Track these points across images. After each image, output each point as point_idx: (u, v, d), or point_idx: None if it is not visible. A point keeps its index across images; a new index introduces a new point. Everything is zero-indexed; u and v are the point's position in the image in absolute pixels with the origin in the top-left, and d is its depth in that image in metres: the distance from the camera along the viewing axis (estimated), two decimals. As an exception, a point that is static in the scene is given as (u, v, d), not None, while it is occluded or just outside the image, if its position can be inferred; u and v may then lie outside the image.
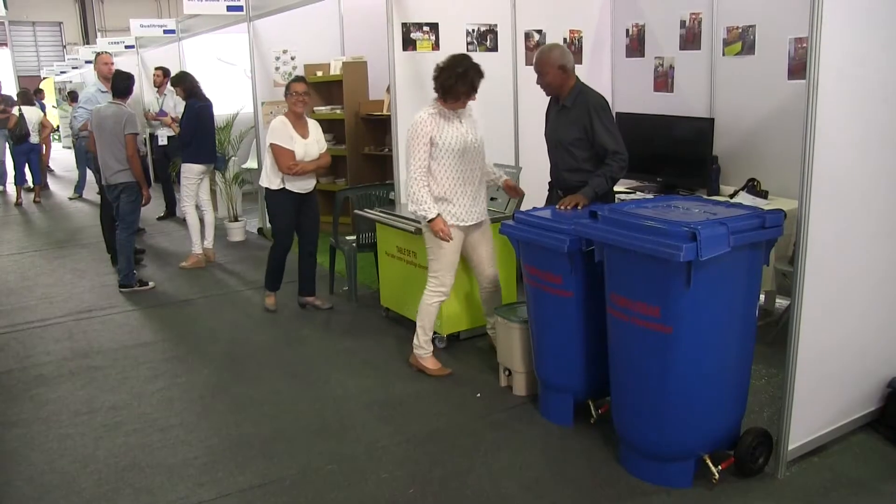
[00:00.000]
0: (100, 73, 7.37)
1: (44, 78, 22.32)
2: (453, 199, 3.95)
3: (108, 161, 5.80)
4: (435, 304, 4.10)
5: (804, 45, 4.40)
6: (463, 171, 3.93)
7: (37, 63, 25.51)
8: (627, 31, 5.80)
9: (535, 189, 4.46)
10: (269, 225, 7.91)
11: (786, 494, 2.91)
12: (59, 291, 6.17)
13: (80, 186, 11.23)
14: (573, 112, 3.84)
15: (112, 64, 7.39)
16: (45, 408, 3.98)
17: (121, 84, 5.87)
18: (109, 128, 5.75)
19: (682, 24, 5.32)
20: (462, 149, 3.90)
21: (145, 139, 8.88)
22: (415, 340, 4.17)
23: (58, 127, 20.58)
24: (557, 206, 3.61)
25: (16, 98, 11.72)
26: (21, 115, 10.71)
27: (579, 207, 3.55)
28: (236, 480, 3.17)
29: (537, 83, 3.91)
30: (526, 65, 5.29)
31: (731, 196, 4.55)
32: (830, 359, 3.05)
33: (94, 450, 3.49)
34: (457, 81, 3.80)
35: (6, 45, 24.33)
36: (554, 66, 3.84)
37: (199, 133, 6.52)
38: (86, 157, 8.39)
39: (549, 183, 4.16)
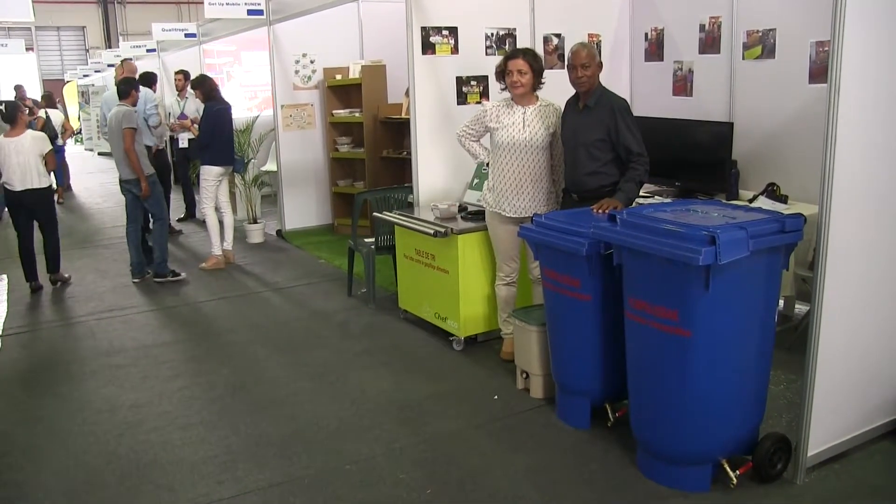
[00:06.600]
0: None
1: (67, 81, 22.66)
2: (494, 187, 4.14)
3: (120, 158, 6.20)
4: (498, 287, 4.34)
5: (825, 48, 4.37)
6: (503, 162, 4.08)
7: (60, 67, 25.92)
8: (646, 34, 5.79)
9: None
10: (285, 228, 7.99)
11: (805, 501, 2.90)
12: (80, 291, 6.26)
13: None
14: (596, 113, 3.83)
15: (135, 71, 7.73)
16: (68, 405, 4.04)
17: (122, 87, 6.34)
18: (115, 128, 6.15)
19: (702, 27, 5.30)
20: (506, 143, 4.04)
21: (166, 141, 9.00)
22: None
23: (79, 130, 20.88)
24: (593, 210, 3.57)
25: (40, 101, 11.94)
26: (48, 117, 10.89)
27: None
28: (255, 479, 3.20)
29: (577, 76, 3.82)
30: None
31: (751, 200, 4.52)
32: (850, 365, 3.03)
33: (117, 446, 3.54)
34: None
35: (32, 49, 24.72)
36: (597, 60, 3.87)
37: (217, 135, 6.62)
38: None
39: (564, 189, 4.16)
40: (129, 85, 6.36)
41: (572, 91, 3.98)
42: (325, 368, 4.42)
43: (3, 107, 6.08)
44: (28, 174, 5.94)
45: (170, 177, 8.44)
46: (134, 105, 6.31)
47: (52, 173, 6.31)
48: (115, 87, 7.88)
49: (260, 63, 9.63)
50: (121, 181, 6.32)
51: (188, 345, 4.94)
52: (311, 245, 7.55)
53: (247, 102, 10.96)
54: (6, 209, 6.38)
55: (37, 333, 5.29)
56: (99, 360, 4.68)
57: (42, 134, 6.42)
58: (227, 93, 7.82)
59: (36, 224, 6.20)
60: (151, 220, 6.52)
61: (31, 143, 6.00)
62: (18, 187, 5.94)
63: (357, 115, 7.58)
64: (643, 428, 3.10)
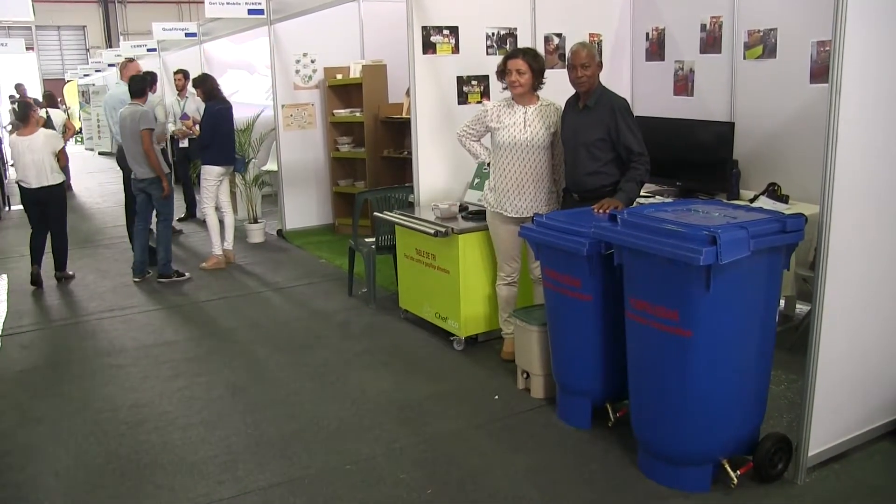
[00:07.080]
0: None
1: (67, 81, 22.67)
2: (495, 187, 4.14)
3: (134, 157, 6.21)
4: (499, 287, 4.35)
5: (827, 48, 4.36)
6: (504, 162, 4.07)
7: (61, 66, 25.93)
8: (647, 34, 5.78)
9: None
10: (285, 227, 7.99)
11: (805, 501, 2.89)
12: (81, 290, 6.27)
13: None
14: (596, 113, 3.83)
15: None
16: (69, 405, 4.04)
17: (135, 86, 6.30)
18: (129, 127, 6.14)
19: (703, 27, 5.30)
20: (507, 143, 4.03)
21: (166, 141, 8.99)
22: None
23: (80, 129, 20.89)
24: (594, 209, 3.56)
25: (41, 100, 11.95)
26: (48, 117, 10.88)
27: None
28: (256, 479, 3.20)
29: (577, 76, 3.81)
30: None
31: (752, 200, 4.52)
32: (851, 365, 3.02)
33: (118, 447, 3.54)
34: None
35: (33, 49, 24.73)
36: (597, 60, 3.87)
37: (218, 135, 6.61)
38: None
39: (565, 189, 4.16)
40: (143, 83, 6.32)
41: (572, 91, 3.98)
42: (325, 368, 4.42)
43: (15, 106, 6.14)
44: (42, 172, 6.11)
45: (170, 176, 8.43)
46: (145, 104, 6.28)
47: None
48: (116, 88, 7.91)
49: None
50: (134, 180, 6.33)
51: (189, 345, 4.94)
52: (312, 245, 7.54)
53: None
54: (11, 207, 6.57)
55: (37, 333, 5.29)
56: (99, 360, 4.68)
57: (54, 132, 6.51)
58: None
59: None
60: (155, 219, 6.50)
61: (44, 140, 6.15)
62: (34, 185, 6.11)
63: (358, 114, 7.58)
64: (644, 428, 3.10)
